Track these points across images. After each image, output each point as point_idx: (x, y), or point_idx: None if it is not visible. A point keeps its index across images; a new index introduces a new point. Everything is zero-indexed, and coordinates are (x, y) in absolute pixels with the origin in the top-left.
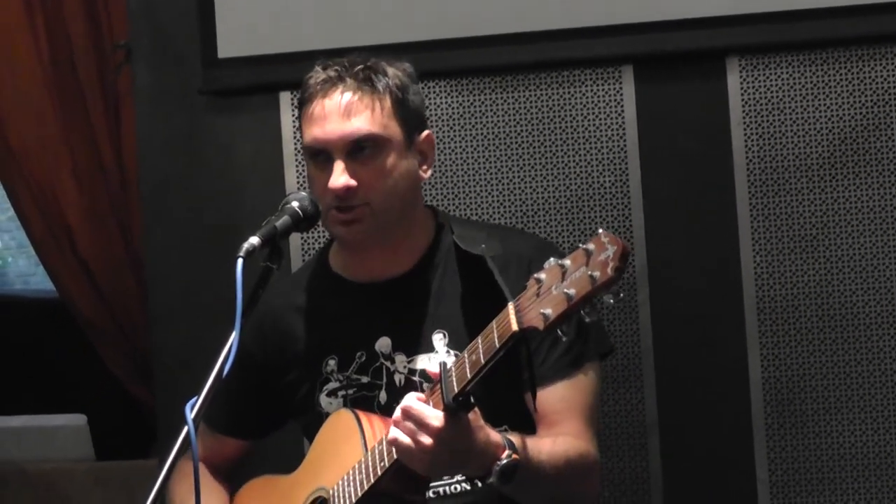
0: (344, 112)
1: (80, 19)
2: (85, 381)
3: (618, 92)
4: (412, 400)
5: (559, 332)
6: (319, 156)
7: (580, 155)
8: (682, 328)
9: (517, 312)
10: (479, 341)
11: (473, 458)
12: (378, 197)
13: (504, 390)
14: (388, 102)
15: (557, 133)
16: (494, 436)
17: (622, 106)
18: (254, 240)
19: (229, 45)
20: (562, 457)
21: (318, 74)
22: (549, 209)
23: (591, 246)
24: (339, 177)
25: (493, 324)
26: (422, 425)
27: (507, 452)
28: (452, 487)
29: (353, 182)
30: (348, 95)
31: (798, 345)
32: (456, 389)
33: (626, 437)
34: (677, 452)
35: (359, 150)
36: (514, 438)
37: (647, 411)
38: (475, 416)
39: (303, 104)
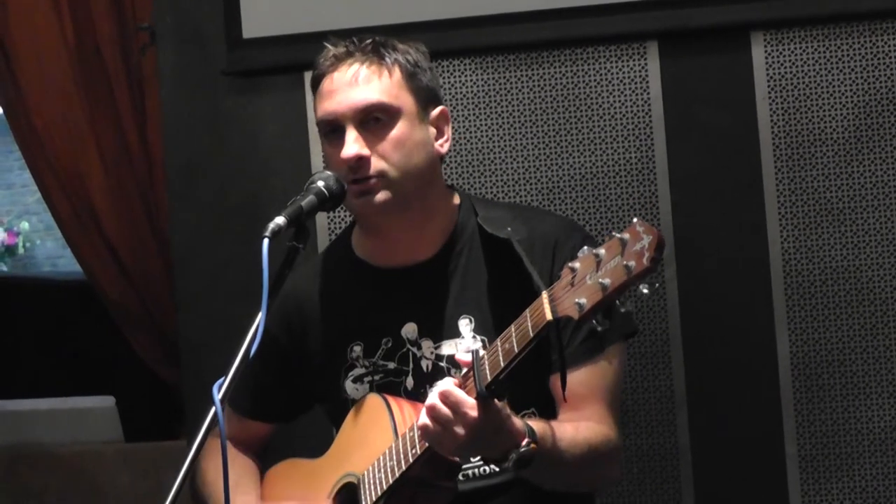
0: (353, 82)
1: (104, 2)
2: (113, 363)
3: (643, 68)
4: (451, 385)
5: (594, 321)
6: (333, 132)
7: (606, 132)
8: (710, 304)
9: (551, 301)
10: (513, 330)
11: (496, 442)
12: (392, 167)
13: (529, 374)
14: (397, 72)
15: (583, 110)
16: (517, 422)
17: (647, 82)
18: (279, 220)
19: (254, 25)
20: (584, 443)
21: (327, 53)
22: (575, 186)
23: (625, 235)
24: (351, 146)
25: (527, 312)
26: (458, 412)
27: (526, 441)
28: (481, 470)
29: (365, 151)
30: (356, 67)
31: (826, 320)
32: (489, 378)
33: (654, 413)
34: (706, 428)
35: (370, 120)
36: (536, 425)
37: (675, 387)
38: (502, 403)
39: (315, 84)
